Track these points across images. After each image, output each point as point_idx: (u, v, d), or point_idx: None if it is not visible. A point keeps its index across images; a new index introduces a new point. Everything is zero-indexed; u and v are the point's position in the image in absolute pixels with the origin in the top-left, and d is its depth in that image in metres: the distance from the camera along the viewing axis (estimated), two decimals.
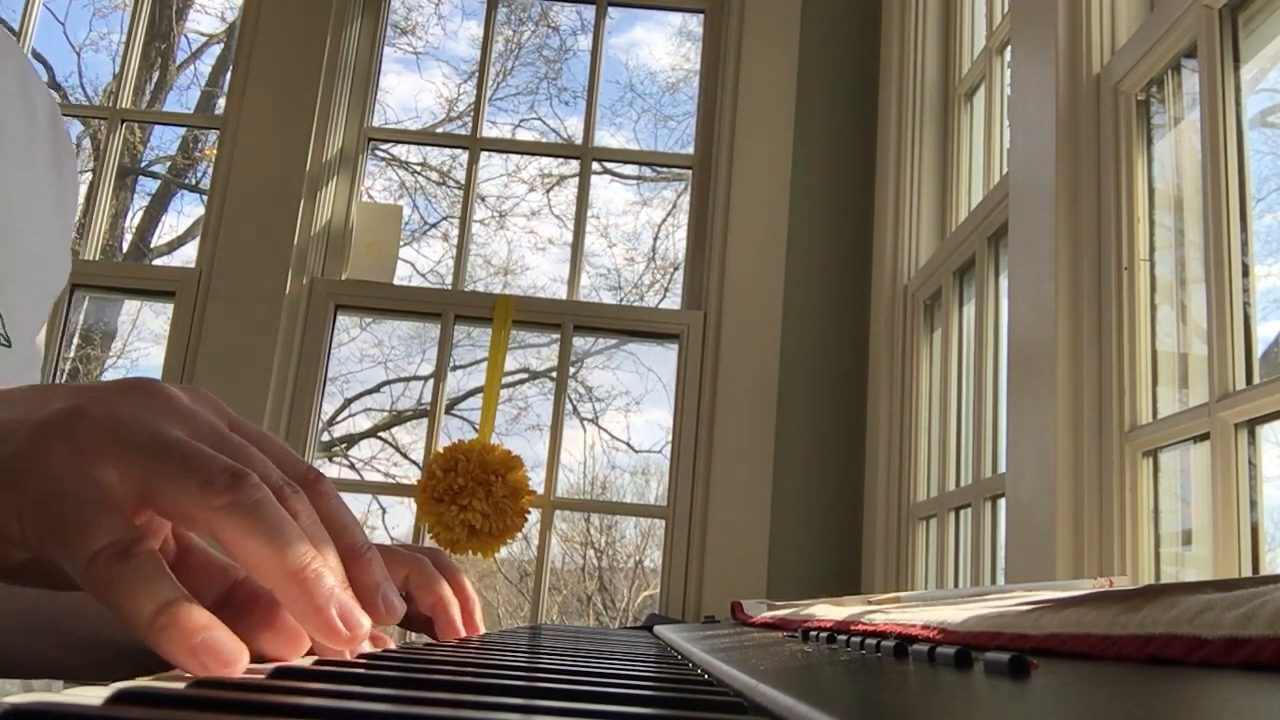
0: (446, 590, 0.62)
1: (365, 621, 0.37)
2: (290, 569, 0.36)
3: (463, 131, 3.36)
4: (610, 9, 3.19)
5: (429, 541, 2.56)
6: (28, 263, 0.69)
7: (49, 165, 0.72)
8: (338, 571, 0.39)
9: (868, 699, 0.24)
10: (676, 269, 3.34)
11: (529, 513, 2.60)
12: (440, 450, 2.60)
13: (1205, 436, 1.33)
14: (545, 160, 3.43)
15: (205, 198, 3.11)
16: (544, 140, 3.56)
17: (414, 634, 0.67)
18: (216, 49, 3.83)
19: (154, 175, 3.94)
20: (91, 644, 0.58)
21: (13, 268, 0.66)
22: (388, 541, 0.75)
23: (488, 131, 3.16)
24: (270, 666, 0.31)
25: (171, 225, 3.96)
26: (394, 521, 3.70)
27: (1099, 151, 1.61)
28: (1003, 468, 1.83)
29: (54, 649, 0.59)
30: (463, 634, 0.61)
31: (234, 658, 0.32)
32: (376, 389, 3.59)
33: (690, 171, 3.04)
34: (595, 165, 3.20)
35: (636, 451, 3.83)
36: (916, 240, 2.51)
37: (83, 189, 3.51)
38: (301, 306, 2.79)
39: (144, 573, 0.33)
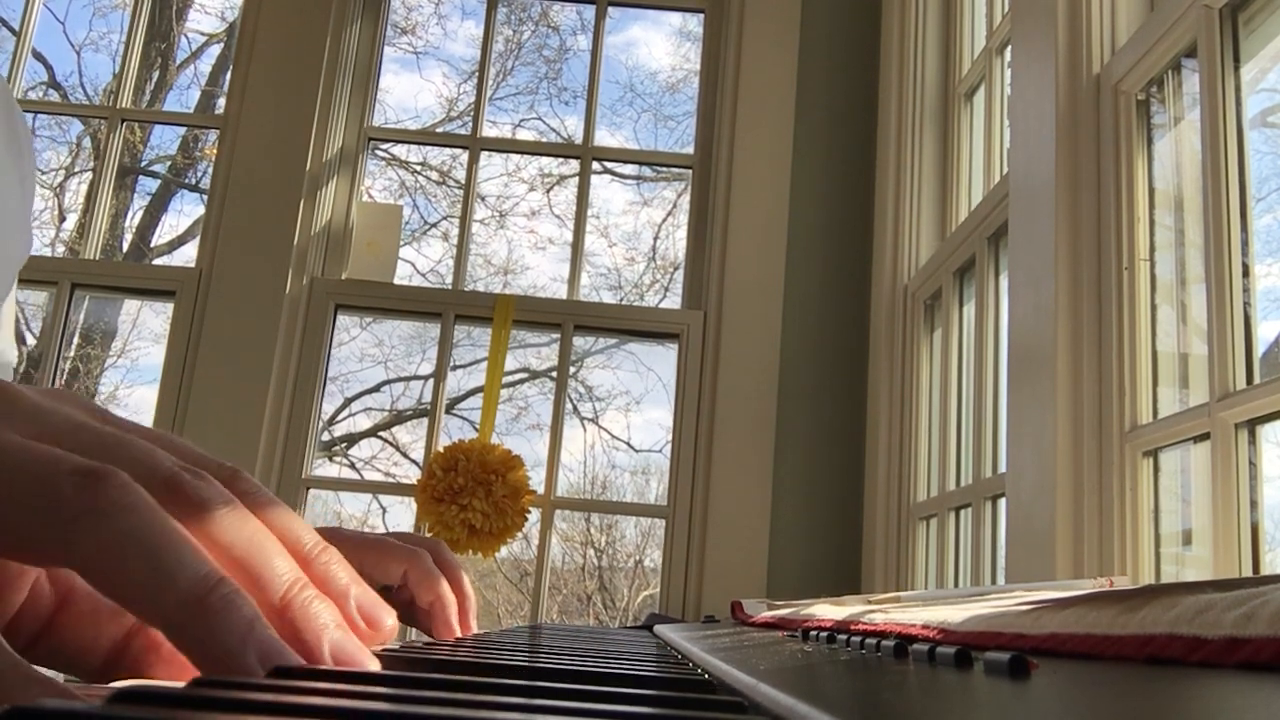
0: (445, 589, 0.61)
1: (290, 651, 0.27)
2: (185, 596, 0.25)
3: (463, 131, 3.36)
4: (610, 9, 3.19)
5: None
6: None
7: (5, 137, 0.72)
8: (270, 573, 0.29)
9: (868, 699, 0.24)
10: (676, 269, 3.34)
11: (529, 512, 2.60)
12: (440, 450, 2.60)
13: (1205, 436, 1.33)
14: (545, 160, 3.43)
15: (205, 198, 3.11)
16: (544, 140, 3.56)
17: (415, 633, 0.67)
18: (216, 49, 3.83)
19: (154, 175, 3.94)
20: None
21: None
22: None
23: (488, 131, 3.17)
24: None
25: (171, 225, 3.96)
26: (394, 521, 3.70)
27: (1099, 151, 1.61)
28: (1003, 468, 1.83)
29: None
30: (458, 634, 0.61)
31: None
32: (376, 389, 3.59)
33: (690, 171, 3.04)
34: (595, 165, 3.20)
35: (636, 451, 3.83)
36: (916, 240, 2.51)
37: (83, 188, 3.51)
38: (301, 306, 2.79)
39: None
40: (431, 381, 2.87)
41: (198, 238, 2.99)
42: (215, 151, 3.02)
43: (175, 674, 0.32)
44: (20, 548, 0.26)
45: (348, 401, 3.58)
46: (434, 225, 3.65)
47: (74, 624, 0.34)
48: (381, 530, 3.69)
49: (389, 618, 0.32)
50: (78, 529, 0.25)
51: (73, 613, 0.34)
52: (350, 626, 0.30)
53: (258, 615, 0.26)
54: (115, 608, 0.33)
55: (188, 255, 3.85)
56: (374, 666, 0.29)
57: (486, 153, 3.19)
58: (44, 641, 0.34)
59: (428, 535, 2.63)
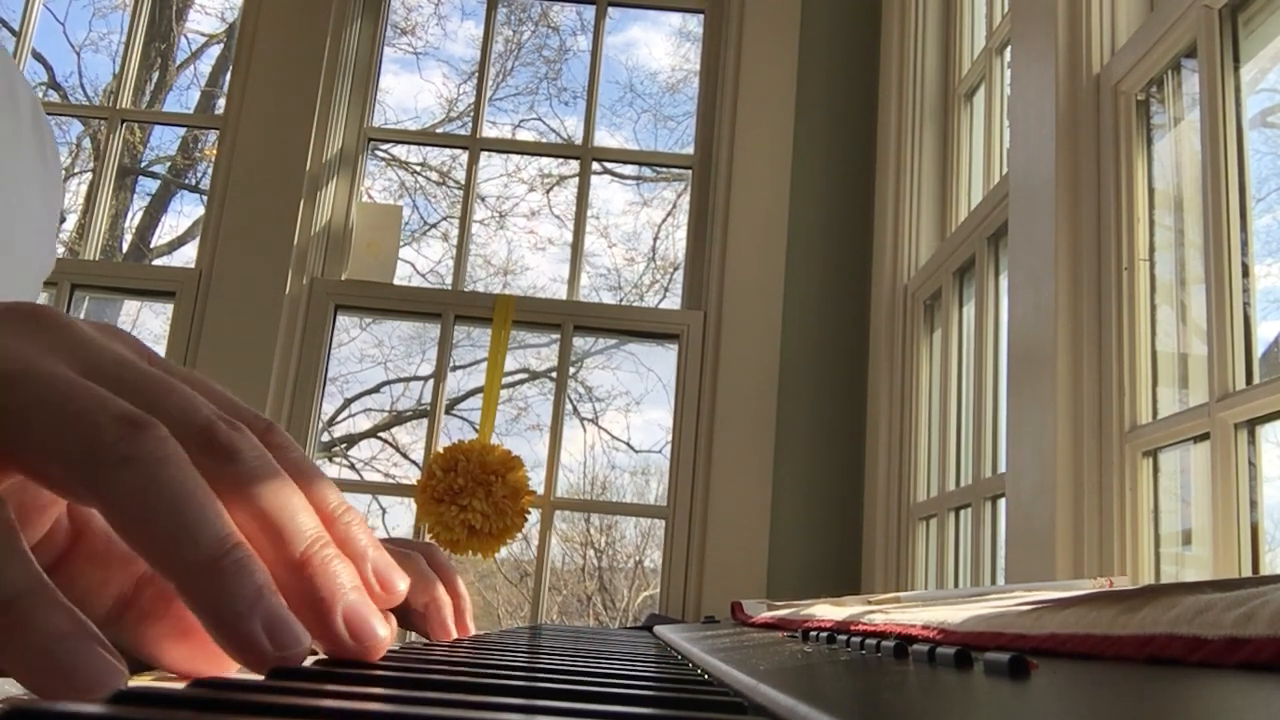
0: (440, 591, 0.62)
1: (306, 639, 0.26)
2: (201, 556, 0.26)
3: (463, 131, 3.36)
4: (610, 9, 3.19)
5: (428, 541, 2.56)
6: (18, 246, 0.69)
7: (34, 153, 0.73)
8: (295, 528, 0.29)
9: (868, 699, 0.24)
10: (676, 269, 3.34)
11: (529, 513, 2.60)
12: (440, 450, 2.60)
13: (1205, 436, 1.34)
14: (545, 160, 3.43)
15: (205, 198, 3.11)
16: (544, 140, 3.56)
17: (412, 634, 0.67)
18: (216, 49, 3.83)
19: (154, 175, 3.94)
20: None
21: (4, 250, 0.67)
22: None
23: (487, 131, 3.17)
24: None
25: (171, 225, 3.96)
26: (394, 521, 3.70)
27: (1099, 151, 1.61)
28: (1003, 468, 1.83)
29: None
30: (454, 635, 0.61)
31: (98, 680, 0.23)
32: (376, 389, 3.59)
33: (690, 171, 3.04)
34: (595, 165, 3.20)
35: (636, 451, 3.83)
36: (916, 240, 2.51)
37: (83, 189, 3.52)
38: (301, 306, 2.79)
39: None
40: (431, 382, 2.87)
41: (198, 238, 2.99)
42: (215, 152, 3.02)
43: (177, 635, 0.32)
44: (53, 480, 0.26)
45: (348, 402, 3.58)
46: (434, 226, 3.66)
47: (84, 565, 0.34)
48: (381, 532, 3.69)
49: (402, 582, 0.32)
50: (111, 474, 0.26)
51: (84, 552, 0.34)
52: (365, 588, 0.30)
53: (269, 584, 0.27)
54: (126, 555, 0.34)
55: (188, 256, 3.85)
56: (384, 632, 0.29)
57: (486, 153, 3.19)
58: (52, 578, 0.34)
59: (427, 539, 2.63)
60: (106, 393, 0.27)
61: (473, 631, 0.66)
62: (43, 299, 3.03)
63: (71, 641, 0.24)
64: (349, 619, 0.28)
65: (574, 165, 3.13)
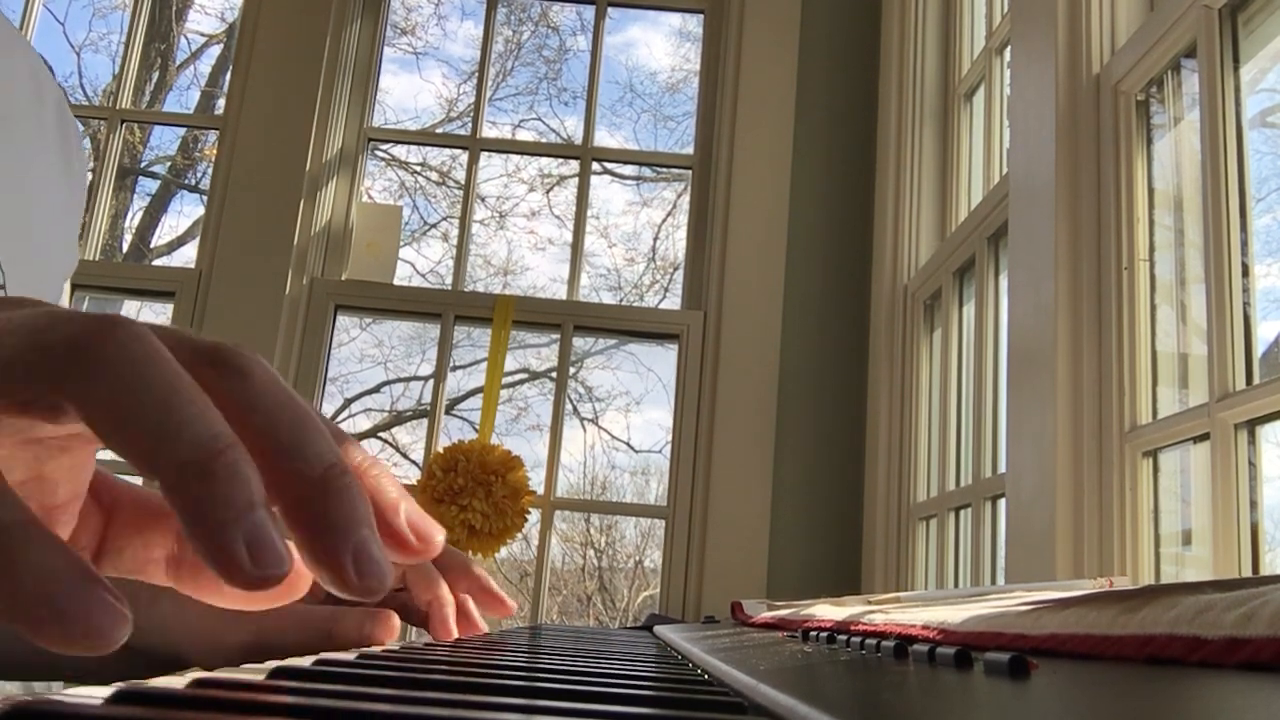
0: (443, 589, 0.62)
1: (287, 564, 0.24)
2: (189, 455, 0.24)
3: (462, 132, 3.36)
4: (610, 9, 3.19)
5: None
6: (40, 246, 0.69)
7: (58, 153, 0.73)
8: (314, 445, 0.26)
9: (868, 699, 0.24)
10: (676, 269, 3.34)
11: (529, 513, 2.60)
12: (440, 450, 2.60)
13: (1205, 437, 1.34)
14: (545, 160, 3.43)
15: (205, 198, 3.11)
16: (544, 140, 3.56)
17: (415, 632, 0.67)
18: (216, 49, 3.83)
19: (154, 175, 3.94)
20: None
21: (27, 250, 0.67)
22: None
23: (487, 131, 3.17)
24: (269, 666, 0.31)
25: (171, 225, 3.96)
26: None
27: (1099, 151, 1.61)
28: (1003, 468, 1.83)
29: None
30: (455, 635, 0.61)
31: (98, 626, 0.22)
32: (376, 389, 3.59)
33: (690, 171, 3.04)
34: (595, 165, 3.20)
35: (636, 451, 3.83)
36: (916, 240, 2.51)
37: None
38: (301, 306, 2.79)
39: None
40: (431, 382, 2.87)
41: (197, 238, 2.99)
42: (215, 152, 3.02)
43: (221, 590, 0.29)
44: (27, 400, 0.24)
45: (348, 402, 3.58)
46: (434, 226, 3.66)
47: (123, 536, 0.33)
48: None
49: (439, 534, 0.29)
50: (84, 369, 0.24)
51: (119, 524, 0.33)
52: (399, 539, 0.28)
53: (260, 497, 0.24)
54: (160, 513, 0.32)
55: (187, 256, 3.85)
56: (389, 579, 0.26)
57: (486, 153, 3.19)
58: (102, 564, 0.33)
59: None
60: (75, 309, 0.25)
61: (484, 627, 0.66)
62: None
63: (67, 581, 0.22)
64: (359, 561, 0.25)
65: (574, 165, 3.13)
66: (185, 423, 0.24)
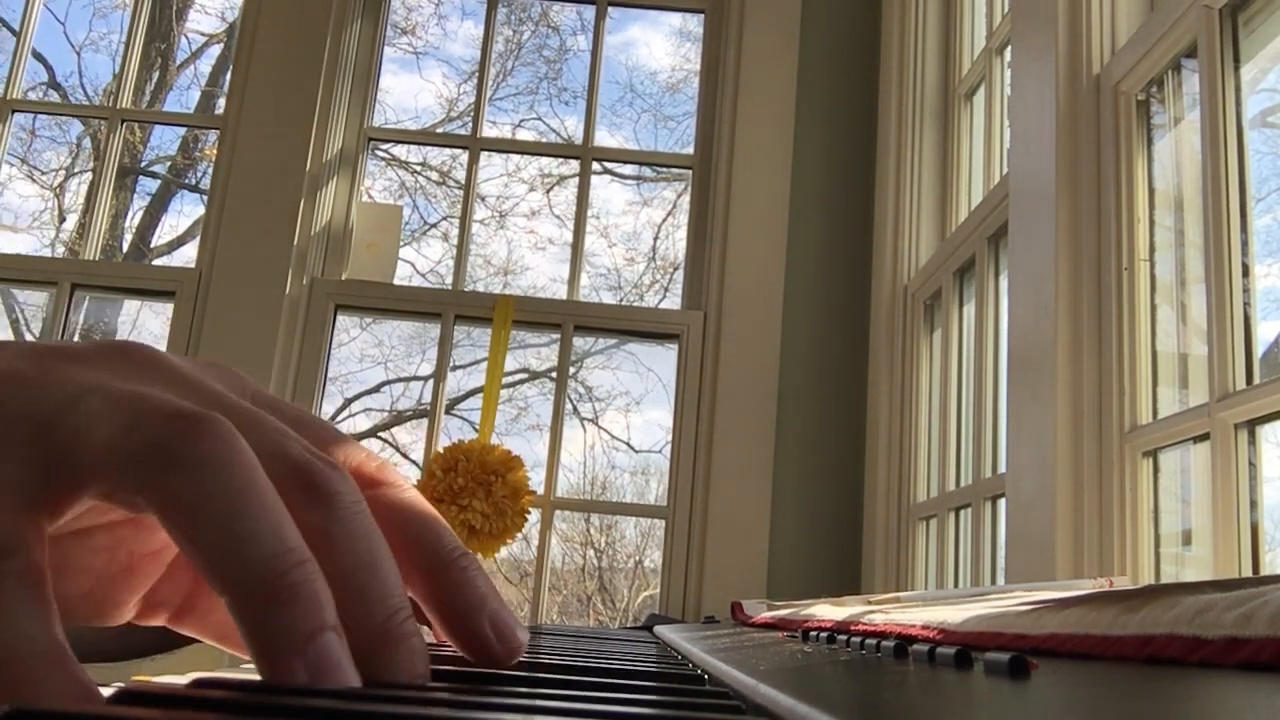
0: None
1: (356, 685, 0.23)
2: (252, 574, 0.23)
3: (463, 131, 3.36)
4: (610, 9, 3.19)
5: None
6: None
7: None
8: (381, 590, 0.25)
9: (868, 699, 0.24)
10: (676, 269, 3.34)
11: (529, 513, 2.60)
12: (440, 450, 2.60)
13: (1205, 437, 1.33)
14: (545, 160, 3.43)
15: (205, 198, 3.11)
16: (544, 140, 3.56)
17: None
18: (216, 49, 3.83)
19: (154, 175, 3.94)
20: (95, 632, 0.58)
21: None
22: None
23: (488, 131, 3.17)
24: None
25: (171, 225, 3.96)
26: None
27: (1099, 151, 1.61)
28: (1003, 468, 1.83)
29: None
30: None
31: None
32: (376, 389, 3.59)
33: (690, 171, 3.04)
34: (595, 165, 3.20)
35: (636, 451, 3.83)
36: (916, 240, 2.51)
37: (83, 189, 3.51)
38: (301, 306, 2.79)
39: (6, 598, 0.22)
40: (431, 382, 2.87)
41: (198, 238, 2.99)
42: (215, 152, 3.02)
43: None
44: (113, 494, 0.24)
45: (348, 402, 3.58)
46: (434, 225, 3.66)
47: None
48: None
49: (523, 634, 0.29)
50: (162, 475, 0.23)
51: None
52: (478, 640, 0.28)
53: (328, 618, 0.23)
54: None
55: (187, 256, 3.85)
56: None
57: (486, 153, 3.19)
58: (184, 622, 0.33)
59: None
60: (167, 395, 0.25)
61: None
62: (43, 298, 3.04)
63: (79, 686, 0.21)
64: (319, 662, 0.23)
65: (574, 165, 3.13)
66: (252, 538, 0.23)
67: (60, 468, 0.24)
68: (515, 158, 3.42)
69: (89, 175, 3.17)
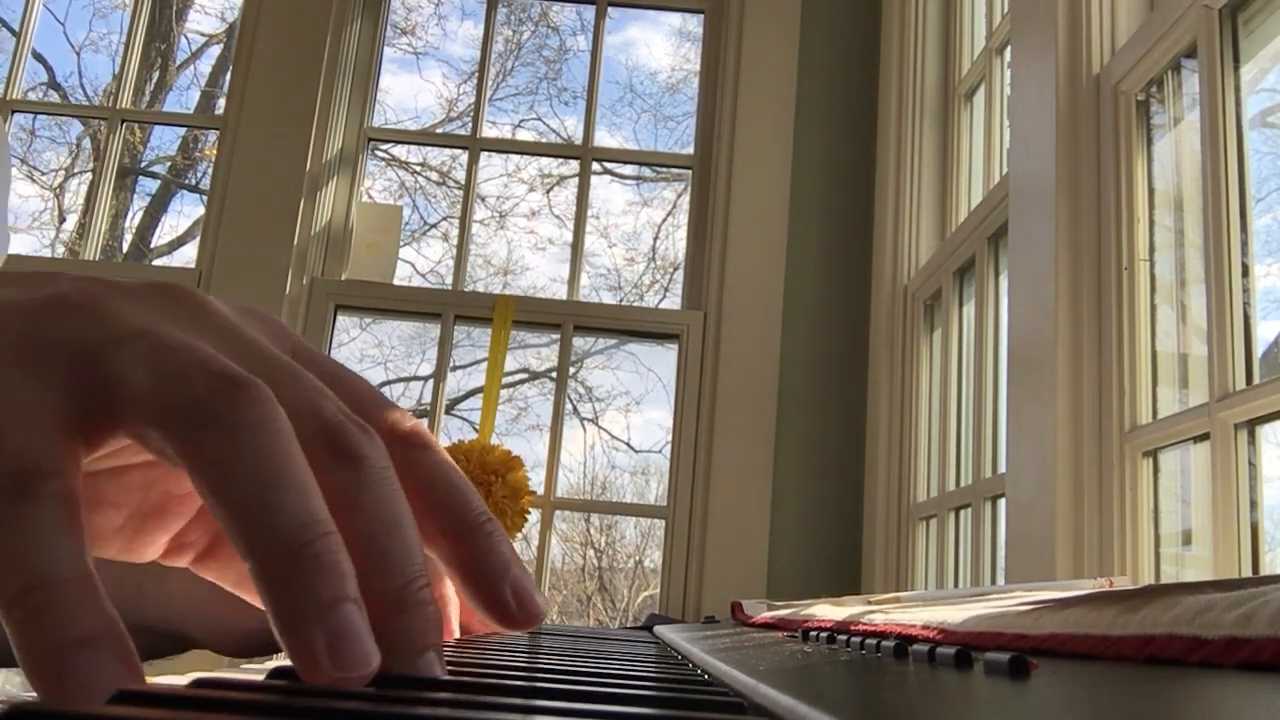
0: (448, 588, 0.62)
1: (374, 661, 0.23)
2: (277, 542, 0.23)
3: (463, 132, 3.36)
4: (610, 9, 3.19)
5: None
6: None
7: None
8: (401, 556, 0.26)
9: (868, 699, 0.24)
10: (676, 269, 3.34)
11: (529, 513, 2.60)
12: None
13: (1205, 437, 1.33)
14: (545, 160, 3.43)
15: (205, 198, 3.11)
16: (544, 140, 3.56)
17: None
18: (216, 49, 3.83)
19: (154, 175, 3.94)
20: None
21: None
22: None
23: (487, 131, 3.17)
24: (269, 665, 0.31)
25: (171, 225, 3.96)
26: None
27: (1099, 151, 1.61)
28: (1003, 468, 1.83)
29: None
30: (457, 634, 0.61)
31: (108, 687, 0.21)
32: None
33: (690, 171, 3.04)
34: (595, 165, 3.20)
35: (636, 451, 3.83)
36: (916, 240, 2.51)
37: (83, 189, 3.51)
38: (301, 306, 2.79)
39: (30, 525, 0.22)
40: (431, 382, 2.87)
41: (198, 238, 2.99)
42: (215, 152, 3.02)
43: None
44: (149, 442, 0.24)
45: None
46: (434, 226, 3.65)
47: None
48: None
49: (543, 601, 0.29)
50: (197, 434, 0.24)
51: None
52: (500, 604, 0.28)
53: (349, 590, 0.23)
54: None
55: (187, 256, 3.85)
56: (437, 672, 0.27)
57: (486, 153, 3.19)
58: (208, 565, 0.34)
59: None
60: (213, 352, 0.25)
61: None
62: None
63: (89, 649, 0.22)
64: (339, 636, 0.23)
65: (574, 165, 3.13)
66: (280, 507, 0.23)
67: (99, 403, 0.24)
68: (515, 158, 3.42)
69: (89, 175, 3.17)
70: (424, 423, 0.30)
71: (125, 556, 0.32)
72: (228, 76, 3.21)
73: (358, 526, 0.25)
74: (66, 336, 0.25)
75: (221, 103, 3.30)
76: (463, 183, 3.15)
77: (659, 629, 0.91)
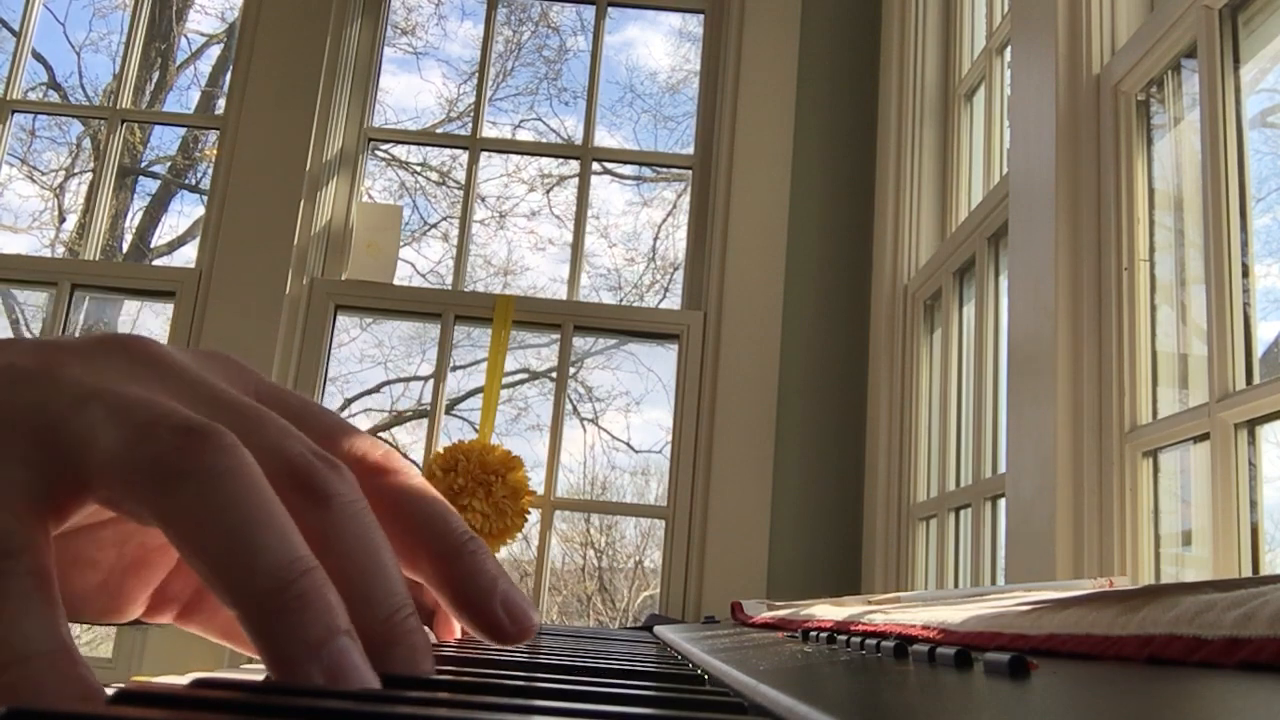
0: None
1: (375, 684, 0.24)
2: (260, 586, 0.23)
3: (463, 132, 3.36)
4: (609, 9, 3.19)
5: None
6: None
7: None
8: (383, 589, 0.26)
9: (868, 699, 0.24)
10: (676, 269, 3.34)
11: (529, 513, 2.60)
12: (440, 450, 2.60)
13: (1205, 437, 1.33)
14: (545, 160, 3.43)
15: (205, 198, 3.11)
16: (544, 140, 3.56)
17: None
18: (216, 50, 3.83)
19: (154, 175, 3.94)
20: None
21: None
22: None
23: (487, 132, 3.17)
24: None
25: (171, 225, 3.96)
26: None
27: (1099, 151, 1.61)
28: (1003, 468, 1.83)
29: None
30: (459, 634, 0.61)
31: None
32: (376, 389, 3.59)
33: (690, 171, 3.04)
34: (595, 165, 3.20)
35: (636, 451, 3.83)
36: (916, 240, 2.51)
37: (83, 189, 3.51)
38: (301, 306, 2.79)
39: (15, 590, 0.22)
40: (431, 382, 2.87)
41: (197, 238, 2.99)
42: (215, 152, 3.02)
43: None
44: (118, 503, 0.24)
45: (348, 402, 3.58)
46: (434, 226, 3.65)
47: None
48: None
49: (534, 615, 0.30)
50: (166, 490, 0.23)
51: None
52: (493, 622, 0.29)
53: (339, 623, 0.24)
54: None
55: (187, 256, 3.85)
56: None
57: (486, 153, 3.19)
58: (191, 620, 0.34)
59: None
60: (174, 405, 0.25)
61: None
62: (43, 298, 3.05)
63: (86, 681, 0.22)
64: (335, 667, 0.24)
65: (574, 165, 3.13)
66: (259, 550, 0.23)
67: (64, 472, 0.24)
68: (515, 158, 3.42)
69: (89, 175, 3.17)
70: (393, 451, 0.30)
71: (109, 616, 0.31)
72: (228, 76, 3.21)
73: (336, 564, 0.25)
74: (22, 408, 0.24)
75: (221, 103, 3.30)
76: (463, 183, 3.14)
77: (659, 629, 0.91)
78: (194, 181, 3.87)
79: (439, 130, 3.49)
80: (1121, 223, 1.55)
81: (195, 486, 0.23)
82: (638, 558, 4.49)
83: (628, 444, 3.83)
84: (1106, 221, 1.57)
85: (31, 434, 0.24)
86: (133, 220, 3.86)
